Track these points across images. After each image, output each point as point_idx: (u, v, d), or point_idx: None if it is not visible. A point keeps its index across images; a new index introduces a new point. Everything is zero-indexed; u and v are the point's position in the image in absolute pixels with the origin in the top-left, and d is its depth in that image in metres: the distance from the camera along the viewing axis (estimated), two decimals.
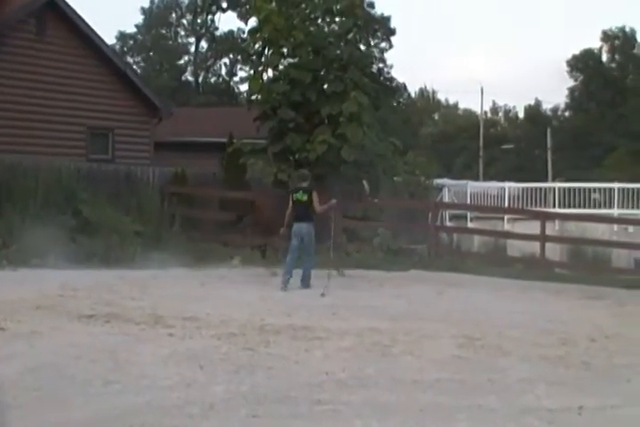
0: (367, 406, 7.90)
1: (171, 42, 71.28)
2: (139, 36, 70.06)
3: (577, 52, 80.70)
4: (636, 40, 79.83)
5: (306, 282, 16.89)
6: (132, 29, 69.64)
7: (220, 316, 12.46)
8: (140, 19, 69.90)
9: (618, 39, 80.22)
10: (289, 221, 17.46)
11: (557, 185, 34.30)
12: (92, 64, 27.97)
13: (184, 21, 71.37)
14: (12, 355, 9.39)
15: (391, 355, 10.26)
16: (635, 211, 31.02)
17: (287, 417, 7.53)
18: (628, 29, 79.67)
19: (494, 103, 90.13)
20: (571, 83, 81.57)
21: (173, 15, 70.92)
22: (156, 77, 63.08)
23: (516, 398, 8.36)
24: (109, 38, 64.25)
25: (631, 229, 28.78)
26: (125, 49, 68.70)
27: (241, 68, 67.83)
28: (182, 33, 71.77)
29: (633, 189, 32.12)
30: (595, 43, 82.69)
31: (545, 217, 23.60)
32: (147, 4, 69.82)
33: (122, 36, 68.92)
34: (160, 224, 22.55)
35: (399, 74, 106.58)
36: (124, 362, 9.27)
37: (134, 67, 58.48)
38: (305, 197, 17.29)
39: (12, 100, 25.33)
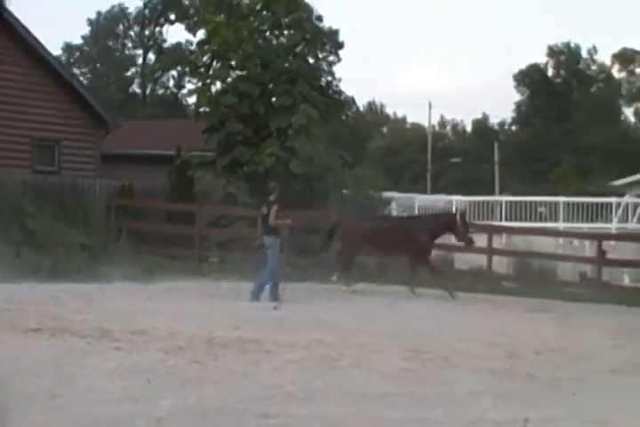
0: (315, 419, 7.88)
1: (118, 53, 70.88)
2: (85, 48, 69.55)
3: (523, 66, 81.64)
4: (580, 56, 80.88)
5: (256, 294, 16.77)
6: (78, 41, 69.11)
7: (168, 329, 12.37)
8: (86, 30, 69.29)
9: (563, 55, 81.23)
10: (260, 234, 17.38)
11: (504, 199, 34.59)
12: (38, 75, 27.72)
13: (131, 33, 71.05)
14: None
15: (339, 368, 10.26)
16: (580, 224, 31.35)
17: None
18: (572, 45, 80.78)
19: (442, 117, 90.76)
20: (517, 97, 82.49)
21: (120, 27, 70.53)
22: (104, 89, 62.66)
23: (463, 411, 8.38)
24: (55, 49, 63.61)
25: (576, 242, 29.07)
26: (72, 60, 68.13)
27: (189, 81, 67.38)
28: (130, 45, 71.45)
29: (578, 202, 32.47)
30: (541, 58, 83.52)
31: (492, 230, 23.78)
32: (93, 16, 69.33)
33: (68, 48, 68.35)
34: (107, 237, 22.40)
35: (348, 87, 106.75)
36: (70, 376, 9.17)
37: (81, 78, 58.06)
38: (266, 211, 17.23)
39: None
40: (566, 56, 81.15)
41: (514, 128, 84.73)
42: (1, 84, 26.35)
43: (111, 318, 13.22)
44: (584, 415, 8.38)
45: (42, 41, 27.73)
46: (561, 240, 28.90)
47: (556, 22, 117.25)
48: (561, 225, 31.66)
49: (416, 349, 11.51)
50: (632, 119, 79.59)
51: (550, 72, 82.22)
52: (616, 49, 78.64)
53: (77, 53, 69.36)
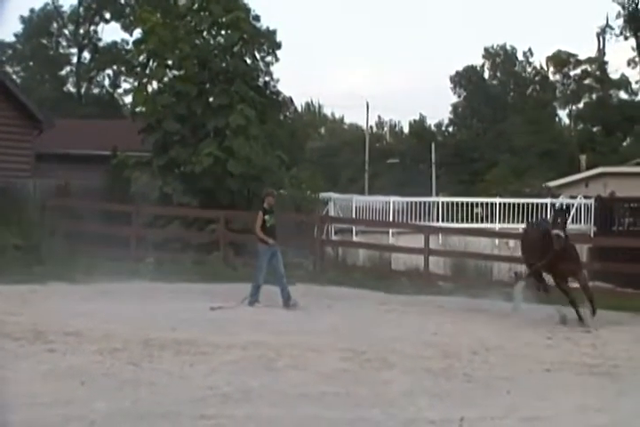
0: (251, 420, 7.86)
1: (52, 52, 69.93)
2: (18, 46, 68.48)
3: (460, 68, 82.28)
4: (516, 58, 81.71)
5: (287, 302, 16.50)
6: (10, 38, 68.00)
7: (104, 331, 12.23)
8: (19, 27, 68.14)
9: (499, 57, 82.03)
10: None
11: (441, 199, 34.77)
12: None
13: (66, 31, 70.14)
14: None
15: (276, 369, 10.24)
16: (515, 225, 31.62)
17: None
18: (508, 47, 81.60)
19: (380, 118, 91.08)
20: (454, 99, 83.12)
21: (54, 25, 69.60)
22: (37, 88, 61.75)
23: (399, 411, 8.42)
24: None
25: (512, 242, 29.30)
26: (4, 58, 67.07)
27: (125, 80, 66.97)
28: (64, 43, 70.52)
29: (513, 203, 32.77)
30: (477, 60, 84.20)
31: (429, 231, 23.90)
32: (26, 13, 68.24)
33: (0, 45, 67.30)
34: (41, 238, 22.08)
35: (285, 88, 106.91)
36: (2, 379, 9.02)
37: (14, 77, 57.17)
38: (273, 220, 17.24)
39: None
40: (502, 58, 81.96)
41: (451, 129, 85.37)
42: None
43: (45, 320, 13.04)
44: (519, 414, 8.47)
45: None
46: (497, 241, 29.13)
47: (492, 24, 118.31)
48: (497, 226, 31.93)
49: (353, 349, 11.52)
50: (566, 121, 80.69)
51: (487, 74, 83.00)
52: (550, 52, 79.67)
53: (10, 51, 68.29)
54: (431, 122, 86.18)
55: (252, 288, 16.59)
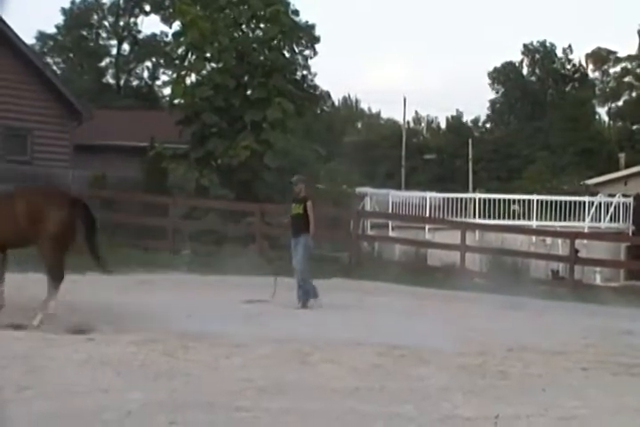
0: (286, 413, 7.84)
1: (92, 44, 70.31)
2: (59, 37, 68.92)
3: (499, 64, 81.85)
4: (555, 55, 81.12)
5: (312, 295, 16.19)
6: (52, 30, 68.46)
7: (140, 321, 12.28)
8: (60, 19, 68.58)
9: (538, 53, 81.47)
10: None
11: (478, 196, 34.63)
12: (10, 64, 27.48)
13: (106, 23, 70.49)
14: None
15: (311, 363, 10.23)
16: (552, 222, 31.47)
17: (206, 424, 7.44)
18: (548, 44, 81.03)
19: (417, 113, 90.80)
20: (492, 95, 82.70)
21: (95, 16, 69.96)
22: (77, 79, 62.10)
23: (433, 407, 8.38)
24: (29, 38, 62.99)
25: (549, 240, 29.18)
26: (45, 50, 67.51)
27: (164, 72, 67.26)
28: (104, 35, 70.86)
29: (551, 200, 32.59)
30: (516, 56, 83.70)
31: (465, 227, 23.83)
32: (67, 5, 68.66)
33: (41, 37, 67.66)
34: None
35: (323, 82, 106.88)
36: (39, 368, 9.08)
37: (54, 68, 57.56)
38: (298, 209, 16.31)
39: None
40: (541, 55, 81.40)
41: (488, 126, 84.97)
42: None
43: (83, 310, 13.11)
44: (554, 412, 8.40)
45: (15, 30, 27.51)
46: (534, 238, 29.00)
47: (531, 21, 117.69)
48: (534, 223, 31.77)
49: (388, 344, 11.48)
50: (605, 119, 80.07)
51: (525, 70, 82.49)
52: (590, 49, 79.07)
53: (51, 43, 68.73)
54: (468, 118, 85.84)
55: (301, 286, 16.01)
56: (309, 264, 16.33)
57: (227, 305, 15.10)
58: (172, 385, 8.66)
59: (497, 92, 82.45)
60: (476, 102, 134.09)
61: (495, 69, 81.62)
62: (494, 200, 32.86)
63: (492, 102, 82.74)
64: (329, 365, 10.13)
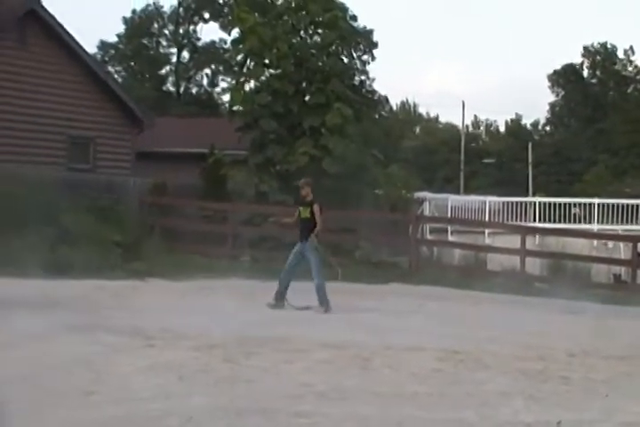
0: (346, 419, 7.87)
1: (152, 52, 71.13)
2: (120, 46, 69.88)
3: (558, 67, 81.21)
4: (616, 56, 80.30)
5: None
6: (113, 39, 69.47)
7: (201, 327, 12.39)
8: (121, 28, 69.62)
9: (599, 55, 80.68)
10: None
11: (538, 199, 34.38)
12: (74, 73, 27.91)
13: (166, 31, 71.28)
14: None
15: (371, 368, 10.24)
16: (614, 226, 31.13)
17: None
18: (609, 46, 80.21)
19: (476, 117, 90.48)
20: (552, 98, 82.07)
21: (155, 25, 70.78)
22: (138, 87, 62.85)
23: (494, 412, 8.34)
24: (91, 47, 64.05)
25: (610, 244, 28.88)
26: (107, 58, 68.46)
27: (223, 79, 67.84)
28: (164, 43, 71.66)
29: (612, 204, 32.23)
30: (576, 58, 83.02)
31: (525, 231, 23.67)
32: (128, 14, 69.66)
33: (103, 46, 68.70)
34: (140, 234, 22.46)
35: (381, 87, 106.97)
36: (103, 373, 9.20)
37: (116, 76, 58.31)
38: (305, 212, 16.17)
39: None
40: (602, 56, 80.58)
41: (548, 129, 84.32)
42: (37, 82, 26.53)
43: (144, 316, 13.28)
44: (618, 418, 8.32)
45: (78, 39, 27.94)
46: (595, 242, 28.71)
47: (592, 23, 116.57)
48: (595, 227, 31.45)
49: (447, 349, 11.46)
50: None
51: (586, 73, 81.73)
52: None
53: (112, 51, 69.70)
54: (527, 121, 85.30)
55: (318, 293, 15.71)
56: (323, 272, 16.01)
57: (286, 310, 15.19)
58: (234, 390, 8.73)
59: (557, 95, 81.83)
60: (535, 105, 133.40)
61: (555, 72, 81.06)
62: (554, 204, 32.60)
63: (552, 105, 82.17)
64: (388, 370, 10.14)
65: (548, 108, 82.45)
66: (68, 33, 27.42)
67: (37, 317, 12.71)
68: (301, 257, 16.04)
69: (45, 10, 26.88)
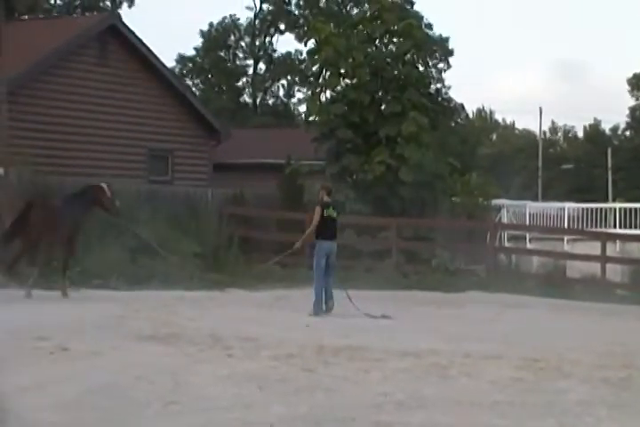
0: None
1: (229, 64, 71.77)
2: (198, 59, 70.66)
3: (638, 70, 79.97)
4: None
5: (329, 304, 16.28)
6: (191, 52, 70.31)
7: (279, 336, 12.49)
8: (199, 41, 70.42)
9: None
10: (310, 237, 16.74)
11: (618, 205, 33.89)
12: (153, 87, 28.38)
13: (242, 43, 71.87)
14: (73, 375, 9.49)
15: (449, 376, 10.21)
16: None
17: None
18: None
19: (553, 123, 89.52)
20: (632, 102, 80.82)
21: (232, 37, 71.43)
22: (215, 99, 63.46)
23: (576, 422, 8.26)
24: (169, 61, 64.80)
25: None
26: (184, 72, 69.29)
27: (299, 90, 68.17)
28: (240, 55, 72.27)
29: None
30: None
31: (606, 238, 23.36)
32: (205, 27, 70.45)
33: (181, 59, 69.55)
34: (218, 245, 22.66)
35: (457, 94, 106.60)
36: (184, 383, 9.32)
37: (193, 89, 59.00)
38: (335, 214, 16.56)
39: (74, 123, 25.77)
40: None
41: (628, 133, 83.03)
42: (118, 97, 27.03)
43: (223, 326, 13.41)
44: None
45: (156, 54, 28.40)
46: None
47: None
48: None
49: (527, 357, 11.38)
50: None
51: None
52: None
53: (190, 65, 70.50)
54: (606, 126, 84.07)
55: (315, 294, 16.05)
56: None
57: (364, 319, 15.20)
58: (313, 399, 8.78)
59: (637, 99, 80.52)
60: (614, 110, 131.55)
61: (634, 76, 79.78)
62: (635, 210, 32.10)
63: (632, 109, 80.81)
64: (467, 378, 10.10)
65: (627, 112, 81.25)
66: (147, 47, 27.90)
67: (121, 327, 12.95)
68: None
69: (125, 25, 27.39)
